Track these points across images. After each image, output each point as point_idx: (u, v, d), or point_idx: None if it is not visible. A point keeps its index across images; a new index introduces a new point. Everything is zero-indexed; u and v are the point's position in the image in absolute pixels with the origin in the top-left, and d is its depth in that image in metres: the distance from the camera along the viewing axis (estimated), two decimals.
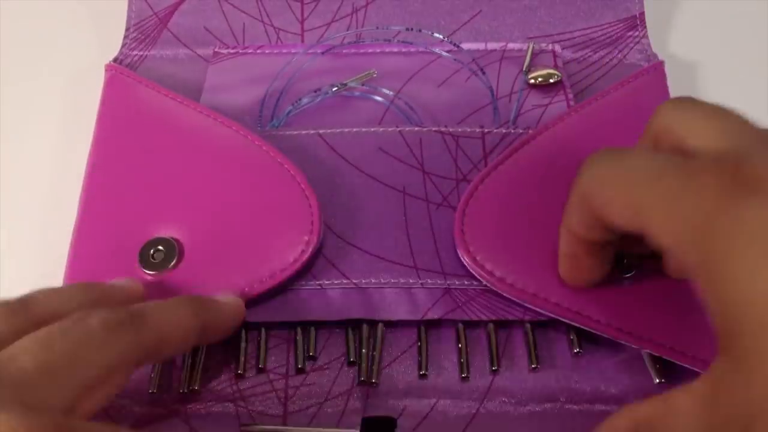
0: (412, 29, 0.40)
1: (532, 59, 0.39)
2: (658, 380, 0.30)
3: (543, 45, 0.40)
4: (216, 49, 0.41)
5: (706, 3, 0.44)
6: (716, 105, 0.26)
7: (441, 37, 0.40)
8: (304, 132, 0.36)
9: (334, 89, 0.38)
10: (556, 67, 0.39)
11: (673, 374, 0.31)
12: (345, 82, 0.38)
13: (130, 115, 0.36)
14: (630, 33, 0.41)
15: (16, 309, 0.25)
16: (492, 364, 0.31)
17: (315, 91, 0.38)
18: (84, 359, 0.23)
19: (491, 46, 0.40)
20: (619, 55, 0.40)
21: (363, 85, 0.38)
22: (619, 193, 0.24)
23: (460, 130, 0.36)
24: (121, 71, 0.38)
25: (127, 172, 0.34)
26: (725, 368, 0.21)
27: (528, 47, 0.39)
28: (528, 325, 0.32)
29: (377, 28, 0.41)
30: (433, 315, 0.32)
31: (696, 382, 0.22)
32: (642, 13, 0.41)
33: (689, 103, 0.26)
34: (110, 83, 0.38)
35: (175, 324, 0.27)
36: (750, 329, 0.19)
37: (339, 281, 0.32)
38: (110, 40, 0.42)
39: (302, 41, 0.41)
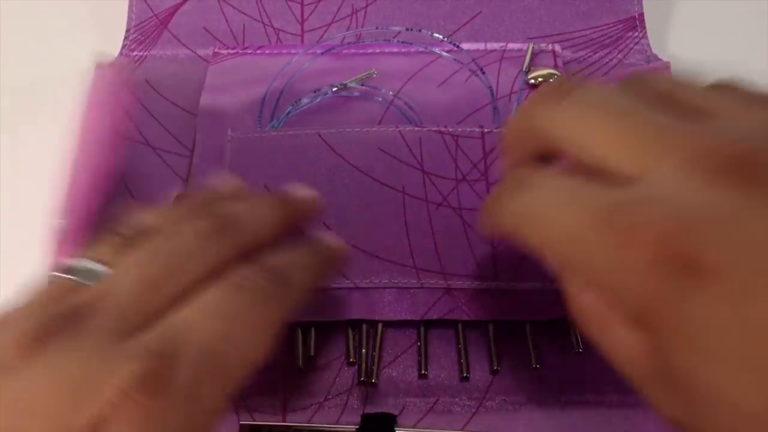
0: (411, 29, 0.40)
1: (532, 59, 0.39)
2: None
3: (543, 45, 0.40)
4: (216, 50, 0.41)
5: (706, 4, 0.44)
6: (614, 99, 0.22)
7: (441, 37, 0.40)
8: (303, 132, 0.36)
9: (334, 89, 0.38)
10: (556, 66, 0.39)
11: None
12: (345, 82, 0.38)
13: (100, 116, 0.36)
14: (630, 34, 0.41)
15: (217, 228, 0.24)
16: (492, 364, 0.31)
17: (315, 92, 0.38)
18: (183, 269, 0.23)
19: (491, 46, 0.40)
20: (619, 56, 0.40)
21: (363, 85, 0.38)
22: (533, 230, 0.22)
23: (459, 130, 0.36)
24: (109, 75, 0.38)
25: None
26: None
27: (528, 47, 0.39)
28: (528, 326, 0.32)
29: (377, 28, 0.41)
30: (433, 315, 0.32)
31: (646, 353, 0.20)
32: (641, 14, 0.41)
33: (577, 103, 0.22)
34: (96, 85, 0.38)
35: (262, 220, 0.26)
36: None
37: (339, 281, 0.32)
38: (111, 41, 0.42)
39: (302, 42, 0.41)
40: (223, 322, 0.22)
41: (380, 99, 0.38)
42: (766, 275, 0.18)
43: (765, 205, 0.19)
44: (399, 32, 0.40)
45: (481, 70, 0.38)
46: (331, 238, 0.29)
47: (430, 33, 0.40)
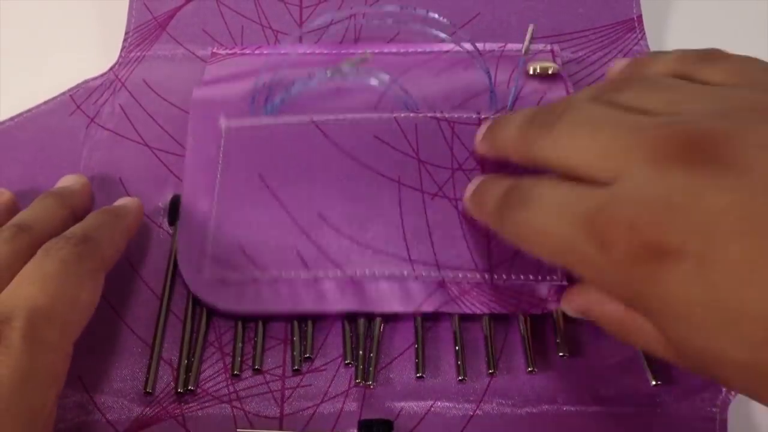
0: (407, 8, 0.39)
1: (530, 51, 0.39)
2: (654, 382, 0.30)
3: (541, 46, 0.40)
4: (214, 50, 0.40)
5: (704, 7, 0.44)
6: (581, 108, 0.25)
7: (446, 22, 0.38)
8: (297, 119, 0.36)
9: (328, 74, 0.37)
10: None
11: (669, 376, 0.31)
12: (339, 65, 0.37)
13: None
14: (629, 35, 0.41)
15: (15, 233, 0.29)
16: (489, 367, 0.31)
17: (309, 76, 0.37)
18: None
19: (489, 46, 0.40)
20: (619, 56, 0.40)
21: (357, 69, 0.37)
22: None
23: (456, 115, 0.35)
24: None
25: None
26: None
27: (529, 29, 0.39)
28: (526, 327, 0.31)
29: (375, 22, 0.40)
30: (427, 308, 0.31)
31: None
32: (640, 16, 0.41)
33: (565, 129, 0.25)
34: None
35: (50, 216, 0.31)
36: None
37: (333, 272, 0.32)
38: (111, 42, 0.42)
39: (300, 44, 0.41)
40: (42, 282, 0.26)
41: (375, 82, 0.37)
42: (721, 243, 0.20)
43: (712, 180, 0.20)
44: (398, 32, 0.40)
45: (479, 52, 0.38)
46: (123, 199, 0.34)
47: (425, 11, 0.38)
